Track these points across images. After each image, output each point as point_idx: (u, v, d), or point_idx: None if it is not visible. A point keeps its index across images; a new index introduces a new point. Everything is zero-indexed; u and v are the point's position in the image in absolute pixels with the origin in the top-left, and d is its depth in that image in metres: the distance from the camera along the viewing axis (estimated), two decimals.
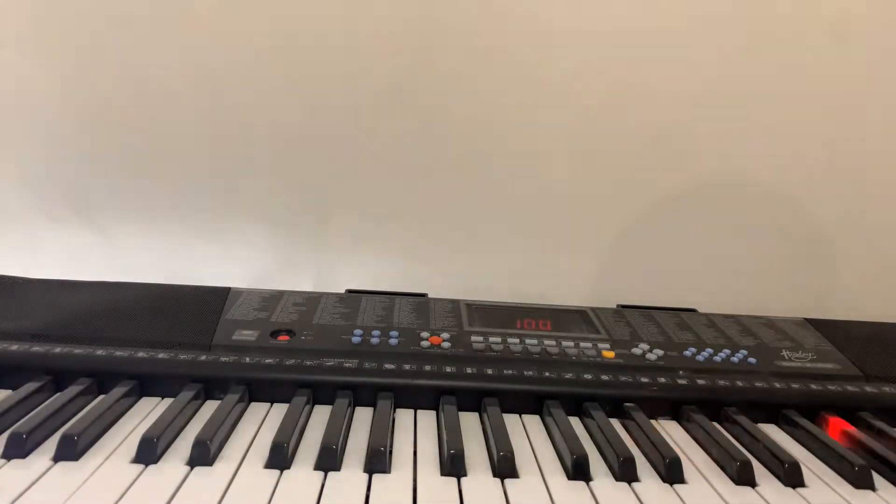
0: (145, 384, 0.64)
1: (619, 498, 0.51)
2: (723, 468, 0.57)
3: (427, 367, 0.68)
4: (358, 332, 0.74)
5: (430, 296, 0.84)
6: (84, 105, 0.90)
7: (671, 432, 0.64)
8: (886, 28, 0.92)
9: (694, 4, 0.91)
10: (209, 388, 0.64)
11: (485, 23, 0.90)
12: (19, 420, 0.56)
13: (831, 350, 0.78)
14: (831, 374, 0.74)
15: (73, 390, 0.61)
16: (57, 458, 0.51)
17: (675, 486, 0.54)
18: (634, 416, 0.63)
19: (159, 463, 0.52)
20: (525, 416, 0.65)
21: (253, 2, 0.88)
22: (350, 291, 0.85)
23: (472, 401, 0.65)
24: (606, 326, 0.79)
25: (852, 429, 0.63)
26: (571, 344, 0.75)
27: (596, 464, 0.56)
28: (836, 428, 0.64)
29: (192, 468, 0.51)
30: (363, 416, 0.62)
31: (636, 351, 0.75)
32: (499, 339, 0.74)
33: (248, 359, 0.67)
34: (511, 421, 0.63)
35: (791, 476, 0.55)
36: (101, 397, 0.61)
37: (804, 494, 0.54)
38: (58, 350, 0.66)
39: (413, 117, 0.93)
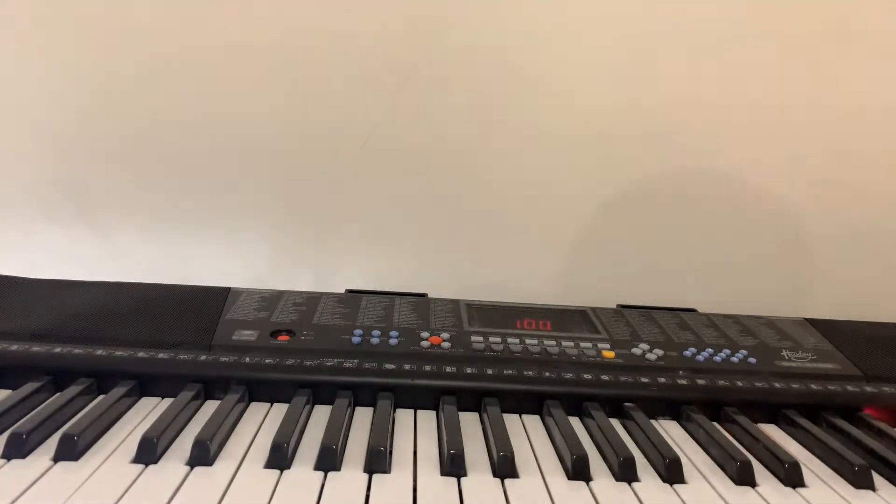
0: (145, 384, 0.64)
1: (619, 498, 0.51)
2: (723, 468, 0.57)
3: (427, 367, 0.68)
4: (358, 332, 0.74)
5: (430, 296, 0.84)
6: (84, 105, 0.90)
7: (671, 432, 0.64)
8: (886, 31, 0.92)
9: (691, 6, 0.91)
10: (209, 388, 0.64)
11: (485, 24, 0.90)
12: (19, 420, 0.56)
13: (831, 350, 0.78)
14: (831, 374, 0.74)
15: (73, 390, 0.61)
16: (57, 458, 0.51)
17: (675, 486, 0.54)
18: (634, 416, 0.63)
19: (159, 463, 0.52)
20: (525, 416, 0.65)
21: (253, 1, 0.88)
22: (350, 291, 0.85)
23: (472, 401, 0.65)
24: (606, 326, 0.79)
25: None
26: (571, 344, 0.75)
27: (596, 464, 0.56)
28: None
29: (192, 468, 0.51)
30: (363, 416, 0.62)
31: (636, 351, 0.75)
32: (499, 339, 0.74)
33: (248, 359, 0.67)
34: (511, 421, 0.63)
35: (791, 476, 0.55)
36: (101, 397, 0.61)
37: (804, 494, 0.54)
38: (58, 350, 0.66)
39: (413, 117, 0.93)
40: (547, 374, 0.68)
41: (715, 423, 0.64)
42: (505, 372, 0.68)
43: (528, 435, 0.61)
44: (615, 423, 0.64)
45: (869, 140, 0.95)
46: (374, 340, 0.72)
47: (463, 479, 0.52)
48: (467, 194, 0.95)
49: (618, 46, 0.91)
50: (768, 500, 0.52)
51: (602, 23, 0.91)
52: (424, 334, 0.74)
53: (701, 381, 0.69)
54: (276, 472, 0.51)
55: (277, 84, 0.91)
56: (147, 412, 0.61)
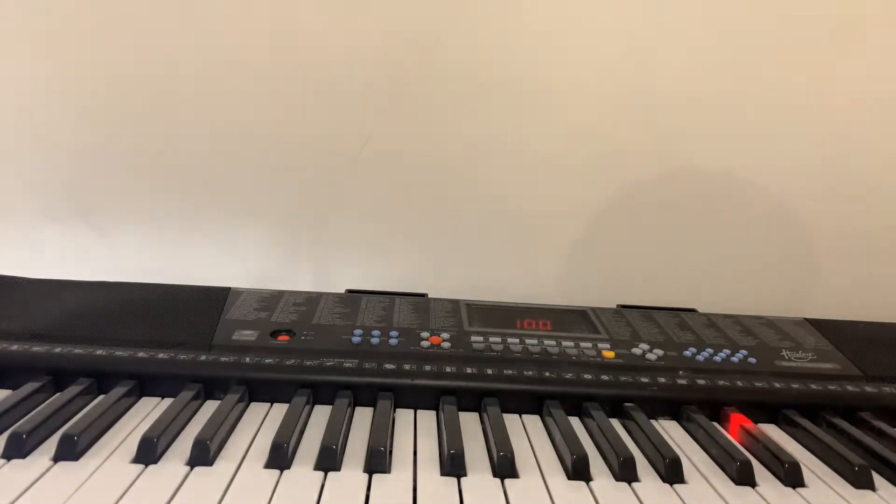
0: (145, 384, 0.64)
1: (619, 498, 0.51)
2: (723, 468, 0.57)
3: (427, 367, 0.68)
4: (358, 332, 0.74)
5: (430, 296, 0.84)
6: (84, 105, 0.90)
7: (671, 432, 0.64)
8: (886, 31, 0.92)
9: (690, 6, 0.91)
10: (209, 388, 0.64)
11: (485, 25, 0.90)
12: (19, 420, 0.56)
13: (831, 350, 0.78)
14: (831, 374, 0.74)
15: (73, 390, 0.61)
16: (57, 458, 0.51)
17: (675, 486, 0.54)
18: (634, 416, 0.63)
19: (159, 463, 0.52)
20: (525, 416, 0.65)
21: (253, 2, 0.88)
22: (350, 291, 0.85)
23: (472, 401, 0.65)
24: (606, 326, 0.79)
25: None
26: (571, 344, 0.75)
27: (596, 464, 0.56)
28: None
29: (192, 468, 0.51)
30: (363, 416, 0.62)
31: (636, 351, 0.75)
32: (499, 339, 0.74)
33: (248, 359, 0.67)
34: (511, 421, 0.63)
35: (791, 476, 0.55)
36: (101, 397, 0.61)
37: (804, 494, 0.54)
38: (58, 350, 0.66)
39: (413, 117, 0.93)
40: (547, 374, 0.68)
41: (715, 423, 0.64)
42: (505, 372, 0.68)
43: (528, 435, 0.61)
44: (615, 423, 0.64)
45: (869, 140, 0.95)
46: (374, 340, 0.72)
47: (463, 479, 0.52)
48: (467, 194, 0.95)
49: (617, 47, 0.91)
50: (768, 500, 0.52)
51: (602, 23, 0.91)
52: (424, 334, 0.74)
53: (701, 381, 0.69)
54: (276, 472, 0.51)
55: (278, 86, 0.91)
56: (147, 412, 0.61)
